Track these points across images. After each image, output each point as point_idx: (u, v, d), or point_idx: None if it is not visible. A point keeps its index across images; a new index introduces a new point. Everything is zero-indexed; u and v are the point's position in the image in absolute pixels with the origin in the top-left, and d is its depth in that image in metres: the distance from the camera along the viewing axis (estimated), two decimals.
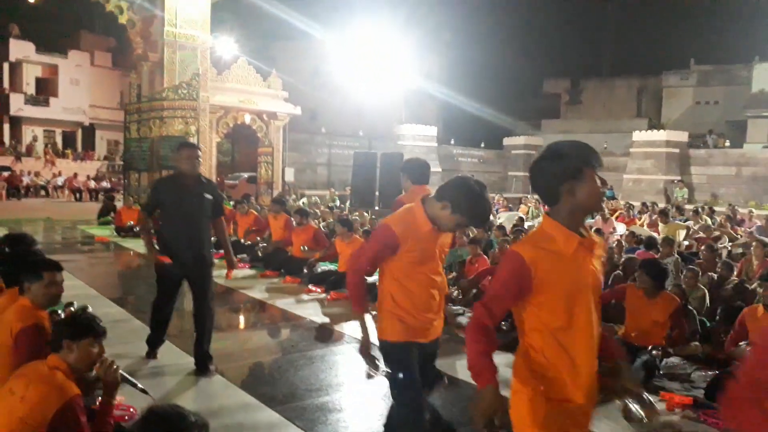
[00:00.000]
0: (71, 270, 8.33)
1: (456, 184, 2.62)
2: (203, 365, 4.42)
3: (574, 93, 40.61)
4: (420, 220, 2.63)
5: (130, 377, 2.81)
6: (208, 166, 17.45)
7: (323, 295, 7.35)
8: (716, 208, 16.90)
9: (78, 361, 2.47)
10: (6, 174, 24.84)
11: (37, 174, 26.68)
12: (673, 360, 4.94)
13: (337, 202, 18.18)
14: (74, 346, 2.46)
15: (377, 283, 2.85)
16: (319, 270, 8.41)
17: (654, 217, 12.89)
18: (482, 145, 31.15)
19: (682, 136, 25.59)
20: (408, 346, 2.72)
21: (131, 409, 3.57)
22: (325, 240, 8.90)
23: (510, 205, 18.82)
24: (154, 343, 4.77)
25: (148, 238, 4.58)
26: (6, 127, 33.16)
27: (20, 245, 3.84)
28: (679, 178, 23.74)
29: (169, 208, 4.37)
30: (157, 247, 4.59)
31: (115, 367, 2.62)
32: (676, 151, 24.79)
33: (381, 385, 4.40)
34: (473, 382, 4.30)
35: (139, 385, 2.85)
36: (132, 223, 12.78)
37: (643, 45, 39.56)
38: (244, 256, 9.53)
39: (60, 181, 25.99)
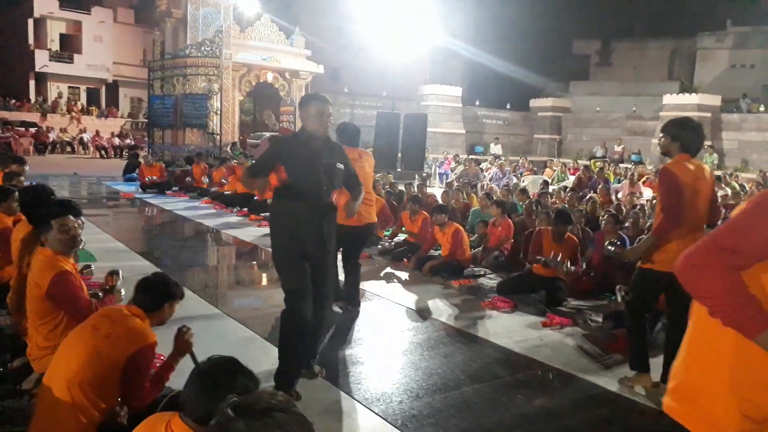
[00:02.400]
0: (99, 224, 8.52)
1: None
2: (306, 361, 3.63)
3: (604, 54, 39.42)
4: None
5: (195, 355, 2.81)
6: (231, 125, 17.51)
7: None
8: (746, 175, 16.50)
9: (161, 317, 2.72)
10: (33, 130, 25.22)
11: (63, 130, 27.03)
12: None
13: None
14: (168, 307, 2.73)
15: (695, 328, 1.60)
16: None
17: None
18: (508, 106, 30.61)
19: (715, 100, 24.83)
20: None
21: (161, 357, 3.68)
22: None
23: (535, 169, 18.62)
24: (292, 375, 3.42)
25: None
26: (32, 83, 33.49)
27: (39, 196, 3.92)
28: (709, 143, 23.15)
29: (290, 177, 3.41)
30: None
31: (191, 336, 2.79)
32: (708, 115, 24.09)
33: (400, 340, 4.48)
34: (492, 340, 4.36)
35: (200, 364, 2.92)
36: (155, 177, 12.91)
37: (678, 5, 37.89)
38: (267, 214, 9.68)
39: (86, 137, 26.31)
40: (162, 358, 3.65)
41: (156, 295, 2.68)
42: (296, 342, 3.38)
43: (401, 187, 10.63)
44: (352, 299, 5.14)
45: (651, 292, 3.68)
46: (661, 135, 3.68)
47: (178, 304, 2.80)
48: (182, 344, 2.77)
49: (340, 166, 3.53)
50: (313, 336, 3.58)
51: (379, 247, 7.67)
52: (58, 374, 2.41)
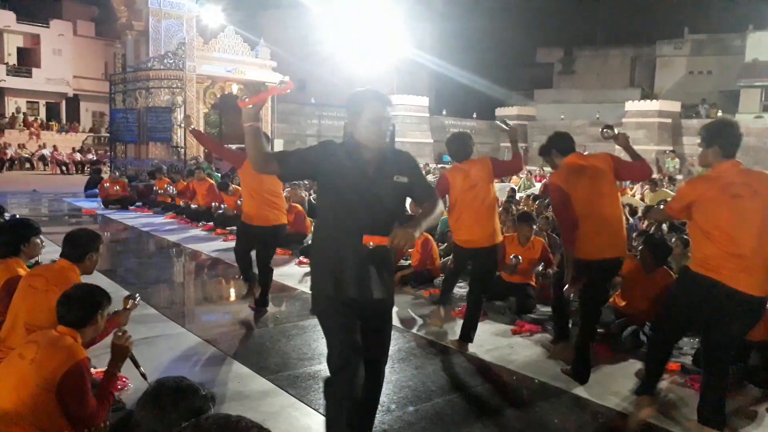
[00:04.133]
0: (60, 242, 8.24)
1: None
2: None
3: (567, 62, 40.25)
4: None
5: (136, 358, 2.84)
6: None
7: None
8: None
9: (93, 332, 2.64)
10: None
11: (21, 146, 26.27)
12: None
13: None
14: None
15: None
16: (309, 242, 8.44)
17: (645, 187, 12.91)
18: (474, 115, 30.94)
19: (675, 106, 25.54)
20: None
21: (124, 379, 3.54)
22: (303, 218, 8.96)
23: (501, 177, 18.77)
24: None
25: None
26: None
27: None
28: (671, 148, 23.76)
29: (330, 197, 2.59)
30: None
31: (130, 340, 2.71)
32: (669, 121, 24.77)
33: None
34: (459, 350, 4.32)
35: (141, 369, 2.88)
36: (118, 188, 12.66)
37: (637, 13, 39.02)
38: (234, 228, 9.55)
39: (46, 153, 25.61)
40: (125, 379, 3.52)
41: (82, 309, 2.55)
42: (344, 420, 2.55)
43: None
44: (261, 300, 5.27)
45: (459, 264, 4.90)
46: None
47: (108, 309, 2.73)
48: (119, 349, 2.65)
49: (401, 179, 2.62)
50: (368, 412, 2.80)
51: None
52: None
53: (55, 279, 3.00)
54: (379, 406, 3.44)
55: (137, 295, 3.45)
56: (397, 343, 4.63)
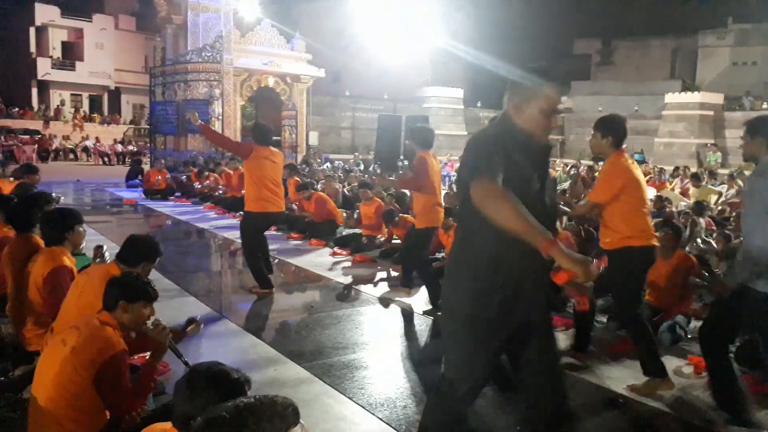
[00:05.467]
0: (102, 230, 8.50)
1: None
2: None
3: (605, 53, 39.36)
4: None
5: (177, 347, 2.83)
6: (233, 130, 17.51)
7: (348, 257, 7.42)
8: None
9: (130, 321, 2.59)
10: (36, 137, 25.30)
11: (66, 138, 27.11)
12: None
13: (362, 166, 18.13)
14: (129, 307, 2.57)
15: None
16: (344, 233, 8.52)
17: (685, 181, 12.60)
18: None
19: (717, 98, 24.78)
20: None
21: (165, 363, 3.64)
22: (324, 203, 8.92)
23: None
24: None
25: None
26: (34, 91, 33.60)
27: (42, 203, 3.95)
28: (712, 141, 23.08)
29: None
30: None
31: (166, 331, 2.70)
32: (711, 113, 24.04)
33: (405, 344, 4.44)
34: None
35: (184, 358, 2.82)
36: (159, 178, 12.97)
37: (679, 2, 37.88)
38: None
39: (89, 144, 26.38)
40: (165, 365, 3.63)
41: (119, 296, 2.57)
42: None
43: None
44: (262, 282, 5.62)
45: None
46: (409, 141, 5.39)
47: (152, 304, 2.68)
48: (157, 343, 2.66)
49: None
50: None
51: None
52: (40, 388, 2.38)
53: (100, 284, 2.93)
54: (413, 397, 3.48)
55: (197, 316, 3.29)
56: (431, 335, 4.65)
